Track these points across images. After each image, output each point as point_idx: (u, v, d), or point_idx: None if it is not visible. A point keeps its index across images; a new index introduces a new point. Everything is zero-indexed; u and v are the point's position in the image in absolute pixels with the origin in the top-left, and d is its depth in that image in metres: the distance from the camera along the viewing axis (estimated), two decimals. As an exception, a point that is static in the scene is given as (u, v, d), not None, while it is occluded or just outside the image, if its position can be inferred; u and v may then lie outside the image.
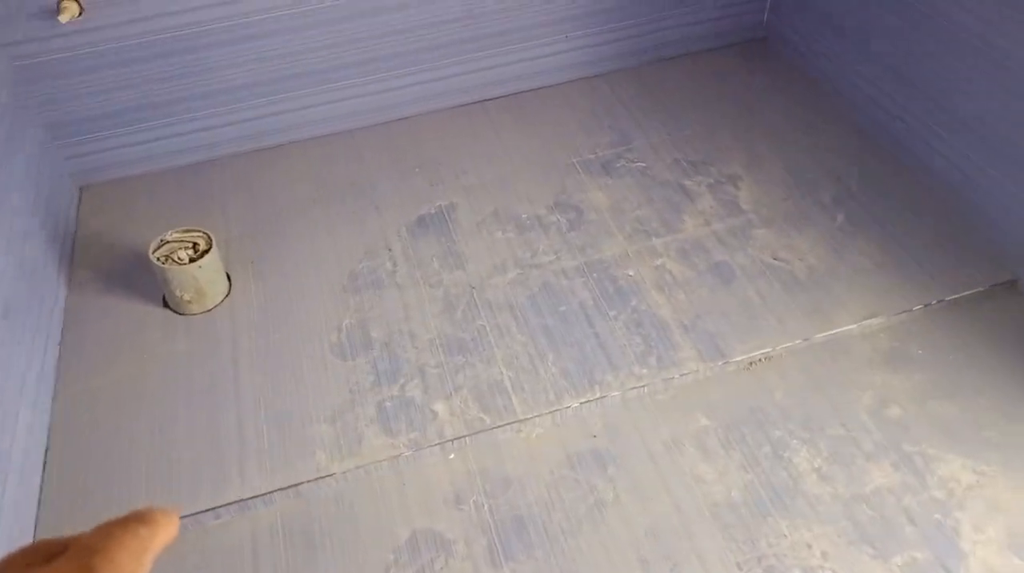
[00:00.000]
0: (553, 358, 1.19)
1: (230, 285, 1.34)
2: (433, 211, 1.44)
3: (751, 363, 1.18)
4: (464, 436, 1.11)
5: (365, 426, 1.13)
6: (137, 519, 0.36)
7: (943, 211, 1.36)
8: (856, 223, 1.36)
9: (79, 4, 1.33)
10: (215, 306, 1.30)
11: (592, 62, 1.70)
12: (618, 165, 1.50)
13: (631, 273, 1.30)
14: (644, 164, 1.50)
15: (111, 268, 1.39)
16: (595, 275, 1.31)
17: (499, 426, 1.12)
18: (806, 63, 1.67)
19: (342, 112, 1.61)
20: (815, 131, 1.54)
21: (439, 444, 1.10)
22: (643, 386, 1.15)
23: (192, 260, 1.25)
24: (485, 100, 1.68)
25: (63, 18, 1.30)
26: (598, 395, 1.14)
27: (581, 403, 1.13)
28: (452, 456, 1.10)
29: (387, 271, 1.34)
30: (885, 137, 1.49)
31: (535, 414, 1.12)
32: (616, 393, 1.14)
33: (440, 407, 1.14)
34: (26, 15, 1.33)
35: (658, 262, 1.32)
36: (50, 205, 1.41)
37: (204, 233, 1.29)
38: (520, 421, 1.12)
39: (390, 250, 1.38)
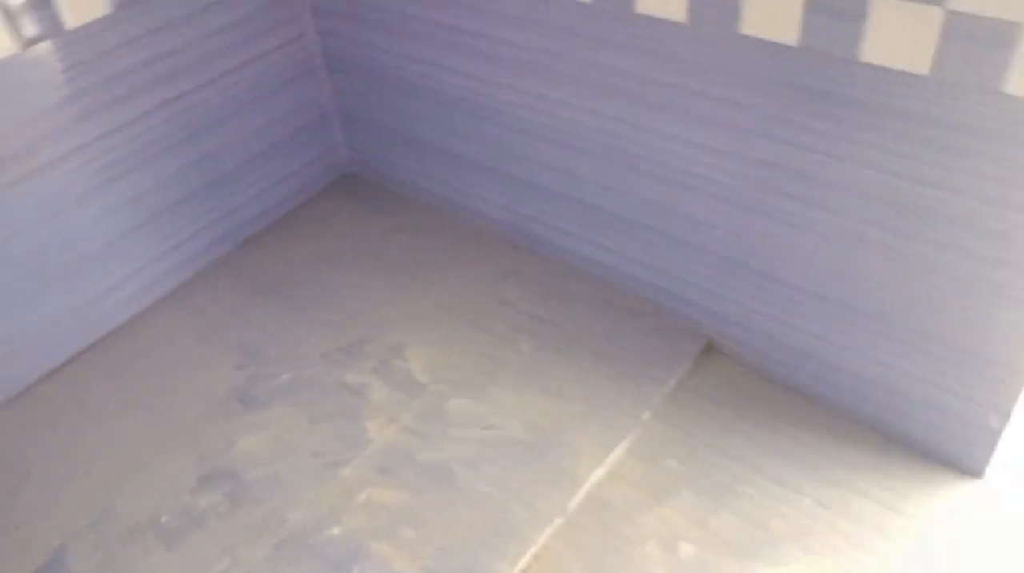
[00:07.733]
0: None
1: None
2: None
3: (523, 575, 0.95)
4: None
5: None
6: None
7: (605, 298, 1.27)
8: (543, 343, 1.21)
9: None
10: None
11: (171, 271, 1.37)
12: (257, 392, 1.19)
13: (336, 532, 1.00)
14: (289, 375, 1.21)
15: None
16: (293, 555, 0.98)
17: None
18: (414, 188, 1.51)
19: None
20: (457, 257, 1.38)
21: None
22: None
23: None
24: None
25: None
26: None
27: None
28: None
29: None
30: (523, 236, 1.38)
31: None
32: None
33: None
34: None
35: (361, 498, 1.04)
36: None
37: None
38: None
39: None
